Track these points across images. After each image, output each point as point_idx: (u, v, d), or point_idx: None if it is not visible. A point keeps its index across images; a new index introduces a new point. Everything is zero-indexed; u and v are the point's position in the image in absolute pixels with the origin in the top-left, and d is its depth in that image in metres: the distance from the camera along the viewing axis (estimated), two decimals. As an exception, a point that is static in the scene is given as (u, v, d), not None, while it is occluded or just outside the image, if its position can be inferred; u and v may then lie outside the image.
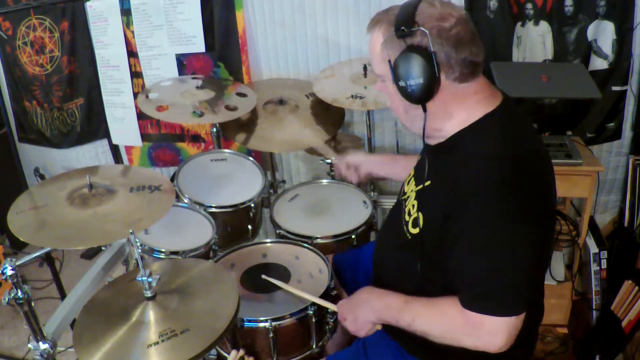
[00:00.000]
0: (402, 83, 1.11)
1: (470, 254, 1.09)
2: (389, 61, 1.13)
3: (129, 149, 2.76)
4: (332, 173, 2.20)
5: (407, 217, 1.25)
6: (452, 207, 1.09)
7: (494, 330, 1.09)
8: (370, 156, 1.74)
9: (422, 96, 1.11)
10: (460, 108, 1.15)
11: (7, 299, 1.22)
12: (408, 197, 1.28)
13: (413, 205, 1.24)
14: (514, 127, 1.17)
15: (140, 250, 1.50)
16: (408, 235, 1.24)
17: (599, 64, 2.21)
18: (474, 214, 1.07)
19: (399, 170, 1.59)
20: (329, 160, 2.16)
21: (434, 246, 1.16)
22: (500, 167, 1.07)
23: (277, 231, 1.94)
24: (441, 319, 1.16)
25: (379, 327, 1.35)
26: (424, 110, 1.14)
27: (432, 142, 1.23)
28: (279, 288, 1.58)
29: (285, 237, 1.87)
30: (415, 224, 1.21)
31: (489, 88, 1.17)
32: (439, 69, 1.09)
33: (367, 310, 1.32)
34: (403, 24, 1.09)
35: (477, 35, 1.12)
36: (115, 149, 2.72)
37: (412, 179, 1.31)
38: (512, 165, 1.07)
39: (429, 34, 1.07)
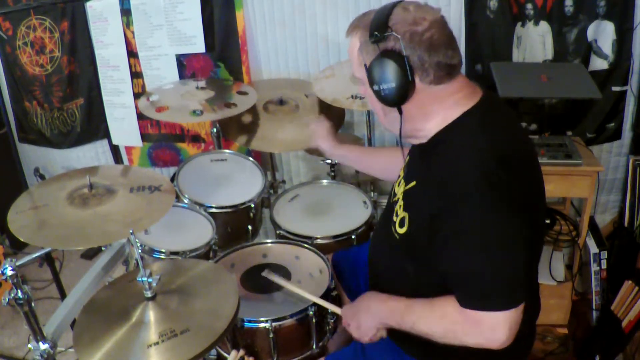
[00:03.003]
0: (376, 87, 1.13)
1: (462, 254, 1.09)
2: (365, 65, 1.14)
3: (129, 149, 2.76)
4: (333, 173, 2.20)
5: (394, 218, 1.26)
6: (439, 207, 1.10)
7: (495, 326, 1.09)
8: (338, 149, 1.75)
9: (396, 99, 1.13)
10: (439, 108, 1.16)
11: (7, 299, 1.22)
12: (397, 198, 1.29)
13: (400, 206, 1.24)
14: (495, 124, 1.18)
15: (140, 251, 1.50)
16: (396, 235, 1.24)
17: (599, 64, 2.21)
18: (462, 213, 1.07)
19: (365, 165, 1.74)
20: (329, 160, 2.16)
21: (422, 246, 1.16)
22: (483, 164, 1.07)
23: (277, 231, 1.94)
24: (442, 319, 1.16)
25: (384, 334, 1.35)
26: (400, 112, 1.15)
27: (415, 142, 1.24)
28: (279, 288, 1.58)
29: (286, 237, 1.87)
30: (402, 223, 1.22)
31: (468, 86, 1.18)
32: (412, 72, 1.10)
33: (369, 316, 1.32)
34: (377, 29, 1.11)
35: (454, 37, 1.14)
36: (115, 149, 2.72)
37: (402, 180, 1.32)
38: (494, 160, 1.07)
39: (401, 38, 1.08)
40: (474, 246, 1.08)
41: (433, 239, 1.12)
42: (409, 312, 1.22)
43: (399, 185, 1.34)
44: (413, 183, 1.21)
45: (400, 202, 1.25)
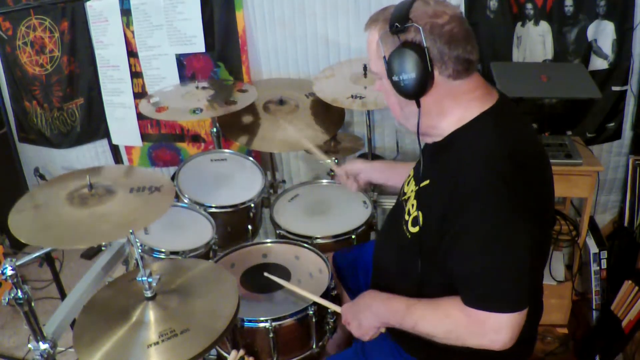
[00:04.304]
0: (395, 78, 1.13)
1: (471, 253, 1.09)
2: (384, 57, 1.14)
3: (129, 149, 2.76)
4: (332, 173, 2.20)
5: (407, 217, 1.26)
6: (451, 206, 1.10)
7: (498, 327, 1.09)
8: (368, 163, 1.72)
9: (415, 91, 1.13)
10: (456, 106, 1.16)
11: (7, 299, 1.22)
12: (408, 197, 1.29)
13: (413, 205, 1.24)
14: (511, 126, 1.18)
15: (140, 250, 1.50)
16: (408, 234, 1.24)
17: (599, 64, 2.21)
18: (473, 213, 1.07)
19: (398, 177, 1.58)
20: (328, 160, 2.16)
21: (433, 245, 1.17)
22: (497, 166, 1.07)
23: (277, 231, 1.94)
24: (444, 319, 1.16)
25: (383, 330, 1.35)
26: (418, 105, 1.15)
27: (429, 140, 1.24)
28: (279, 288, 1.58)
29: (285, 237, 1.87)
30: (415, 222, 1.21)
31: (484, 86, 1.18)
32: (432, 64, 1.10)
33: (371, 316, 1.32)
34: (397, 20, 1.11)
35: (472, 33, 1.14)
36: (115, 149, 2.72)
37: (412, 179, 1.32)
38: (509, 164, 1.08)
39: (422, 30, 1.08)
40: (482, 246, 1.08)
41: (443, 237, 1.12)
42: (411, 312, 1.22)
43: (408, 184, 1.34)
44: (427, 182, 1.21)
45: (413, 201, 1.25)
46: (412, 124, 1.19)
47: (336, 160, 2.07)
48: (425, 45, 1.09)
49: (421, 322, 1.20)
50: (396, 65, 1.12)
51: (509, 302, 1.09)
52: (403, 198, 1.33)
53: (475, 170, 1.08)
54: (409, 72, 1.10)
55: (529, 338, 1.33)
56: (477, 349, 1.14)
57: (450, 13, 1.11)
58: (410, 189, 1.29)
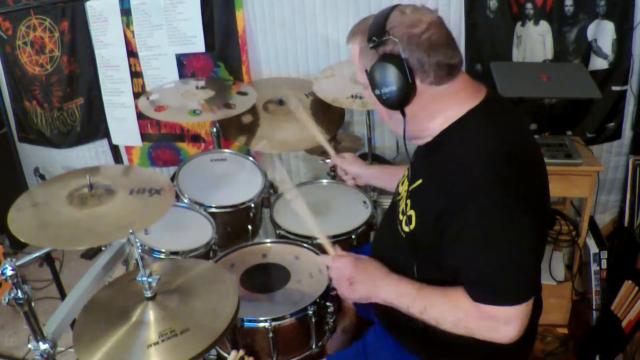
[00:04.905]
0: (377, 91, 1.14)
1: (474, 250, 1.09)
2: (366, 71, 1.15)
3: (129, 149, 2.76)
4: (332, 173, 2.20)
5: (401, 216, 1.26)
6: (448, 205, 1.10)
7: (508, 320, 1.10)
8: (369, 169, 1.72)
9: (398, 102, 1.14)
10: (443, 108, 1.16)
11: (7, 299, 1.22)
12: (402, 197, 1.29)
13: (406, 204, 1.24)
14: (501, 120, 1.18)
15: (140, 251, 1.50)
16: (402, 233, 1.24)
17: (599, 64, 2.21)
18: (473, 210, 1.07)
19: (397, 182, 1.59)
20: (328, 161, 2.16)
21: (429, 243, 1.17)
22: (491, 161, 1.07)
23: (277, 231, 1.94)
24: (454, 310, 1.16)
25: None
26: (403, 115, 1.16)
27: (420, 142, 1.24)
28: (279, 288, 1.58)
29: (285, 237, 1.87)
30: (408, 222, 1.22)
31: (471, 86, 1.18)
32: (412, 74, 1.11)
33: (375, 291, 1.28)
34: (375, 34, 1.12)
35: (452, 37, 1.14)
36: (115, 149, 2.72)
37: (406, 179, 1.32)
38: (503, 157, 1.08)
39: (399, 41, 1.09)
40: (485, 244, 1.08)
41: (441, 236, 1.12)
42: (421, 296, 1.20)
43: (402, 184, 1.34)
44: (419, 182, 1.21)
45: (406, 201, 1.25)
46: (401, 130, 1.19)
47: (327, 161, 2.08)
48: (403, 56, 1.09)
49: (430, 309, 1.19)
50: (377, 78, 1.13)
51: (517, 294, 1.09)
52: (397, 198, 1.34)
53: (472, 168, 1.08)
54: (390, 85, 1.11)
55: (529, 336, 1.33)
56: (478, 347, 1.14)
57: (428, 20, 1.11)
58: (404, 189, 1.29)
